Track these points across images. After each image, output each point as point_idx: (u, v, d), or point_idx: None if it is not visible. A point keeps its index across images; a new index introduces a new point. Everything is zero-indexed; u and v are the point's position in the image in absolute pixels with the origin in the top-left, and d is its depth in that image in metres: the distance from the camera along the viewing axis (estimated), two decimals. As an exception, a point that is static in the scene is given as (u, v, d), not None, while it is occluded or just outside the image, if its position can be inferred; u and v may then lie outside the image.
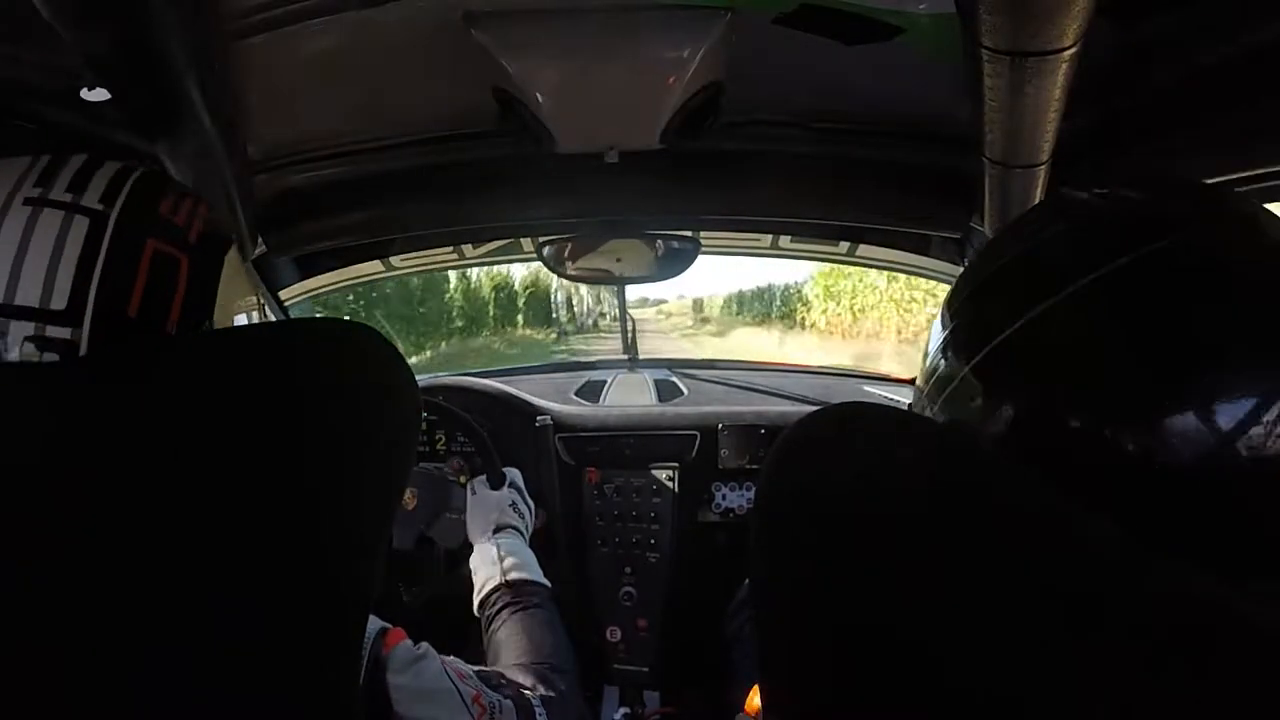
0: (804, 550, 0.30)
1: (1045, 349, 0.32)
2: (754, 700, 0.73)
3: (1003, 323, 0.34)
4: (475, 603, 0.88)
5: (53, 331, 0.36)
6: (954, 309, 0.39)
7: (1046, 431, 0.31)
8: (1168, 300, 0.29)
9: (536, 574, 0.90)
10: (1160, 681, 0.21)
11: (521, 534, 1.00)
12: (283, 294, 1.21)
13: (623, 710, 1.26)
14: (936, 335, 0.40)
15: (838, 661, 0.26)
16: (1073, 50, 0.48)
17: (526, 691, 0.68)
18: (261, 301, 0.57)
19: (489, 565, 0.91)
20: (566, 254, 1.18)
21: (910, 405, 0.44)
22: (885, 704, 0.24)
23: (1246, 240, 0.30)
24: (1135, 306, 0.30)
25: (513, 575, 0.88)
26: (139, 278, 0.39)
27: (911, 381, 1.58)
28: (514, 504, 1.03)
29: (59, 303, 0.36)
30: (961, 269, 1.14)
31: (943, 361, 0.38)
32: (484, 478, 1.06)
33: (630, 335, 1.67)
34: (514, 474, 1.08)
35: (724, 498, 1.31)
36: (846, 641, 0.26)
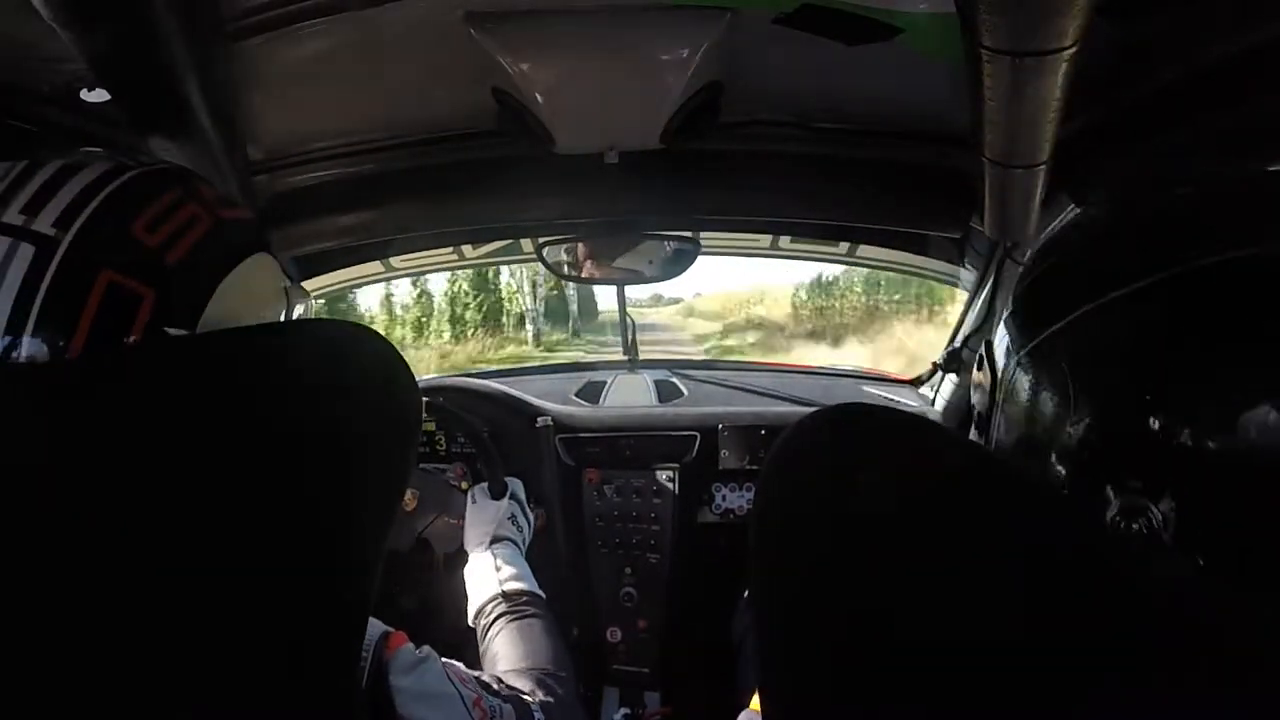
0: (802, 550, 0.29)
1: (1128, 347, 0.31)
2: (758, 702, 0.73)
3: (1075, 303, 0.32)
4: (470, 613, 0.88)
5: None
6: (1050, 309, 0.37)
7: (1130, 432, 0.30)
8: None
9: (532, 585, 0.90)
10: (1159, 681, 0.21)
11: (518, 547, 0.99)
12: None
13: (623, 711, 1.26)
14: (1004, 334, 0.39)
15: (835, 661, 0.26)
16: (1072, 50, 0.48)
17: (526, 697, 0.68)
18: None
19: (485, 575, 0.90)
20: (566, 255, 1.19)
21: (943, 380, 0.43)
22: (883, 703, 0.24)
23: None
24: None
25: (509, 586, 0.88)
26: (84, 317, 0.34)
27: (911, 382, 1.58)
28: (513, 516, 1.03)
29: None
30: (963, 269, 1.14)
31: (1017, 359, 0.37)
32: (485, 486, 1.06)
33: (630, 336, 1.67)
34: (516, 485, 1.08)
35: (724, 498, 1.31)
36: (844, 641, 0.26)
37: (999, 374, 0.41)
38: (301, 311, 0.49)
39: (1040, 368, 0.35)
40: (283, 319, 0.48)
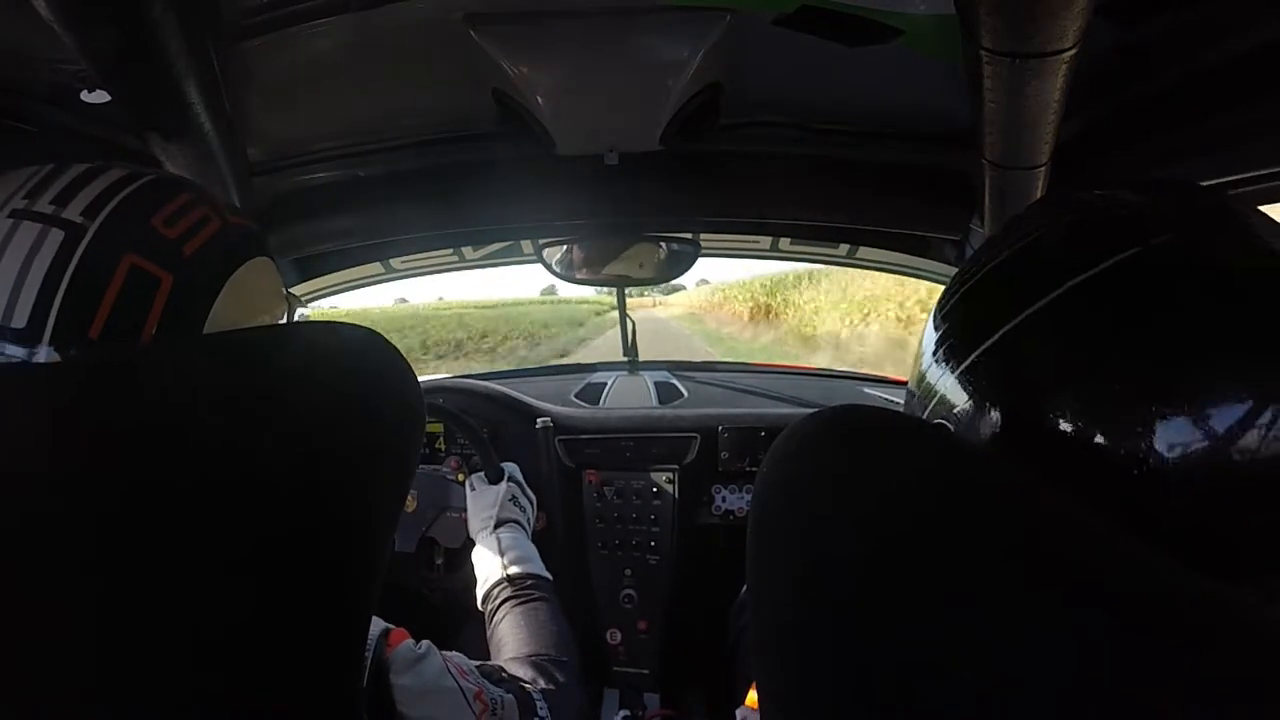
0: (796, 550, 0.30)
1: (1034, 352, 0.32)
2: (754, 696, 0.73)
3: (991, 327, 0.34)
4: (478, 597, 0.89)
5: (10, 350, 0.35)
6: (944, 312, 0.39)
7: (1034, 436, 0.31)
8: (1158, 303, 0.29)
9: (538, 567, 0.90)
10: (1158, 674, 0.21)
11: (523, 527, 1.00)
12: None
13: (623, 713, 1.26)
14: (928, 339, 0.40)
15: (833, 662, 0.26)
16: (1072, 51, 0.48)
17: (527, 685, 0.69)
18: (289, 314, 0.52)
19: (490, 560, 0.91)
20: (566, 256, 1.19)
21: (903, 408, 0.44)
22: (877, 702, 0.24)
23: (1237, 242, 0.30)
24: (1127, 308, 0.30)
25: (513, 569, 0.88)
26: (106, 296, 0.36)
27: (912, 383, 1.58)
28: (514, 497, 1.03)
29: (19, 320, 0.35)
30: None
31: (933, 366, 0.38)
32: (482, 474, 1.06)
33: (630, 337, 1.67)
34: (512, 467, 1.08)
35: (724, 499, 1.30)
36: (837, 640, 0.26)
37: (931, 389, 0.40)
38: (298, 316, 0.50)
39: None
40: (283, 321, 0.49)
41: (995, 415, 0.33)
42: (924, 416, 0.39)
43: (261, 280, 0.46)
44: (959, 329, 0.37)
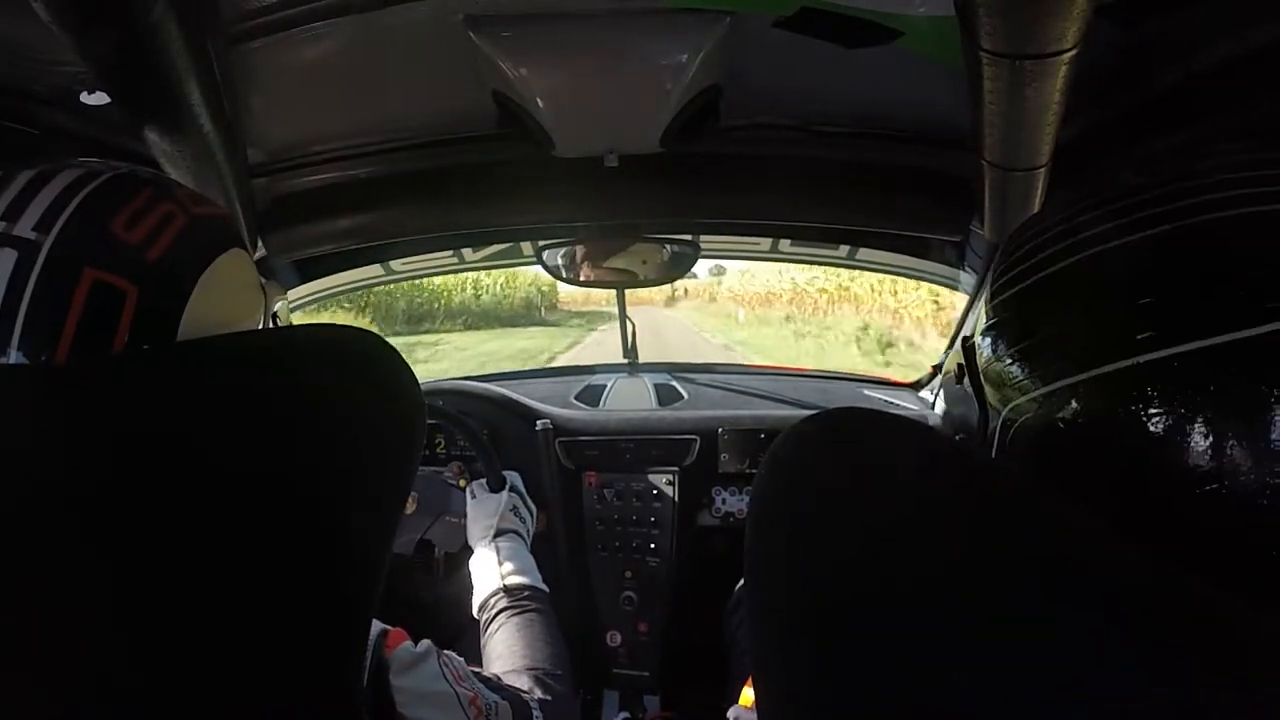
0: (795, 551, 0.30)
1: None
2: (749, 695, 0.73)
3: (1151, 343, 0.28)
4: (474, 606, 0.89)
5: None
6: (1029, 302, 0.34)
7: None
8: None
9: (535, 579, 0.90)
10: (1158, 675, 0.21)
11: (522, 538, 1.00)
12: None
13: (623, 715, 1.26)
14: (992, 328, 0.37)
15: (828, 659, 0.26)
16: (1072, 53, 0.48)
17: (524, 694, 0.69)
18: (274, 313, 0.51)
19: (488, 569, 0.91)
20: (566, 258, 1.19)
21: (941, 389, 0.42)
22: (876, 701, 0.24)
23: None
24: None
25: (511, 580, 0.88)
26: (70, 317, 0.34)
27: (912, 385, 1.57)
28: (515, 508, 1.03)
29: None
30: (963, 272, 1.14)
31: (1017, 362, 0.34)
32: (484, 481, 1.06)
33: (630, 339, 1.67)
34: (514, 477, 1.08)
35: (724, 501, 1.30)
36: (836, 640, 0.26)
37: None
38: (277, 308, 0.50)
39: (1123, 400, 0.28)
40: (261, 315, 0.49)
41: (1151, 425, 0.27)
42: (992, 403, 0.37)
43: (235, 275, 0.44)
44: (1073, 330, 0.31)
